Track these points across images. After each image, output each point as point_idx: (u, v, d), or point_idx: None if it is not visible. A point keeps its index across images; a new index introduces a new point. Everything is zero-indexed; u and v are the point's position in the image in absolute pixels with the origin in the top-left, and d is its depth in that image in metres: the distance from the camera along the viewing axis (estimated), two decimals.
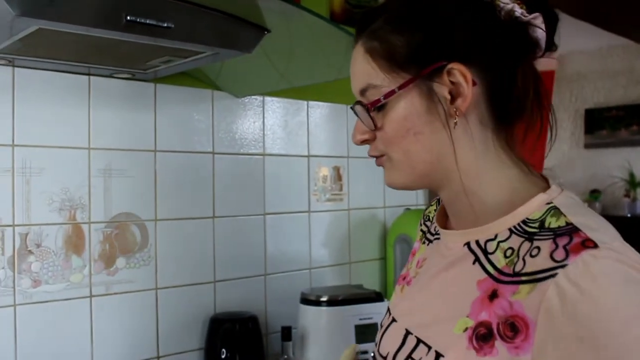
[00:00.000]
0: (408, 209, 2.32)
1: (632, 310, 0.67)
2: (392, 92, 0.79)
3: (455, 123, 0.79)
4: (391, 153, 0.83)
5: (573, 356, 0.67)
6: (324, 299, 1.80)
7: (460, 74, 0.77)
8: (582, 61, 5.71)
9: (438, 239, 0.93)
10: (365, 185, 2.24)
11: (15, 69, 1.46)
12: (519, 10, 0.80)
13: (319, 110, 2.12)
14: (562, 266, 0.69)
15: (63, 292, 1.54)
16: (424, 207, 1.13)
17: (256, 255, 1.95)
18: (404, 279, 0.99)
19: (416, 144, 0.81)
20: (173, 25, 1.20)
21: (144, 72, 1.55)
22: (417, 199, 2.44)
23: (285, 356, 1.71)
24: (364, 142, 0.86)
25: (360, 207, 2.24)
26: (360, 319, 1.79)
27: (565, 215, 0.74)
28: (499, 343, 0.72)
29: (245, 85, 1.86)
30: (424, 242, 1.00)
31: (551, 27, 0.82)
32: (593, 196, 5.50)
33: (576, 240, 0.70)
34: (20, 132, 1.48)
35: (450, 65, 0.78)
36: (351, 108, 0.85)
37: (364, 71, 0.83)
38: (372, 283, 2.24)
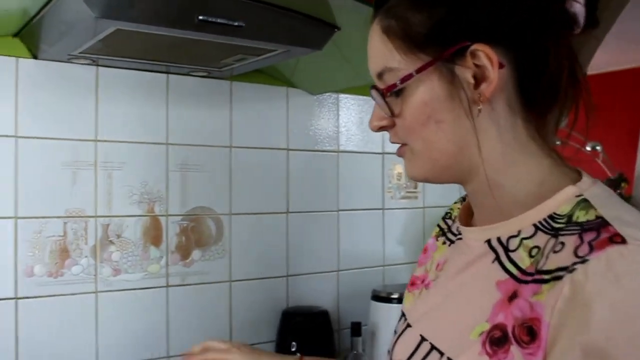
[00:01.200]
0: None
1: None
2: (409, 76, 0.72)
3: (480, 110, 0.71)
4: (412, 142, 0.76)
5: None
6: (395, 296, 1.79)
7: (485, 55, 0.69)
8: None
9: (460, 239, 0.85)
10: None
11: (99, 68, 1.54)
12: None
13: None
14: (583, 261, 0.61)
15: (141, 281, 1.61)
16: None
17: (329, 251, 1.96)
18: (423, 281, 0.91)
19: (437, 132, 0.73)
20: (244, 24, 1.23)
21: (219, 70, 1.60)
22: None
23: (355, 352, 1.72)
24: (381, 128, 0.79)
25: (436, 205, 2.21)
26: None
27: (595, 209, 0.66)
28: (514, 348, 0.64)
29: (320, 82, 1.88)
30: (444, 243, 0.92)
31: (592, 1, 0.73)
32: None
33: (604, 235, 0.62)
34: (102, 128, 1.55)
35: (474, 47, 0.69)
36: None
37: (380, 53, 0.75)
38: None
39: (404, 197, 2.13)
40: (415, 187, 2.16)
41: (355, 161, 2.02)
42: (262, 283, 1.82)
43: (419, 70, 0.71)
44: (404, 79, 0.72)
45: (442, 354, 0.73)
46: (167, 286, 1.65)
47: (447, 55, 0.70)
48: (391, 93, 0.74)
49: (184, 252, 1.68)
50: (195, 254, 1.70)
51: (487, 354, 0.67)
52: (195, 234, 1.70)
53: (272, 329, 1.80)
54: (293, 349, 1.72)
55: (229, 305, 1.76)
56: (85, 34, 1.22)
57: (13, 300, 1.43)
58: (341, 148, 1.99)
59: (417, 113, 0.73)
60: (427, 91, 0.72)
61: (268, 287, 1.83)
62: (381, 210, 2.07)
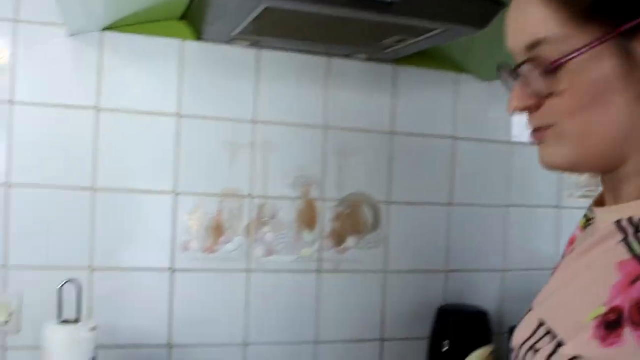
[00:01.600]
0: None
1: None
2: (576, 51, 0.63)
3: None
4: (565, 124, 0.67)
5: None
6: None
7: None
8: None
9: (593, 219, 0.78)
10: None
11: (258, 50, 1.55)
12: None
13: None
14: None
15: (293, 264, 1.61)
16: None
17: (495, 249, 1.83)
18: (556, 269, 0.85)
19: (603, 116, 0.64)
20: (396, 0, 1.16)
21: (381, 52, 1.54)
22: None
23: None
24: (524, 110, 0.70)
25: None
26: None
27: None
28: (627, 331, 0.56)
29: (494, 68, 1.74)
30: (584, 228, 0.84)
31: None
32: None
33: None
34: (261, 110, 1.57)
35: None
36: (505, 70, 0.71)
37: (537, 21, 0.66)
38: None
39: (583, 196, 1.93)
40: (598, 186, 1.94)
41: (530, 154, 1.85)
42: (419, 276, 1.75)
43: (589, 46, 0.62)
44: (570, 54, 0.63)
45: (554, 337, 0.67)
46: (319, 271, 1.64)
47: (624, 29, 0.61)
48: (548, 69, 0.65)
49: (338, 238, 1.65)
50: (350, 241, 1.67)
51: (599, 337, 0.59)
52: (351, 221, 1.67)
53: (426, 326, 1.72)
54: (444, 349, 1.63)
55: (383, 297, 1.70)
56: (236, 13, 1.23)
57: (170, 272, 1.50)
58: (514, 139, 1.84)
59: (581, 93, 0.65)
60: (596, 69, 0.63)
61: (425, 281, 1.75)
62: (556, 209, 1.89)
